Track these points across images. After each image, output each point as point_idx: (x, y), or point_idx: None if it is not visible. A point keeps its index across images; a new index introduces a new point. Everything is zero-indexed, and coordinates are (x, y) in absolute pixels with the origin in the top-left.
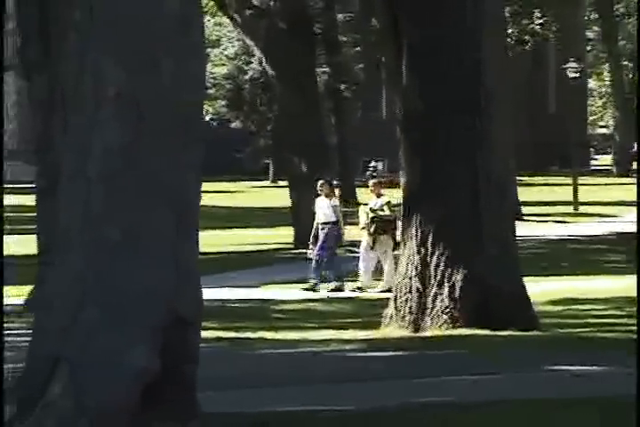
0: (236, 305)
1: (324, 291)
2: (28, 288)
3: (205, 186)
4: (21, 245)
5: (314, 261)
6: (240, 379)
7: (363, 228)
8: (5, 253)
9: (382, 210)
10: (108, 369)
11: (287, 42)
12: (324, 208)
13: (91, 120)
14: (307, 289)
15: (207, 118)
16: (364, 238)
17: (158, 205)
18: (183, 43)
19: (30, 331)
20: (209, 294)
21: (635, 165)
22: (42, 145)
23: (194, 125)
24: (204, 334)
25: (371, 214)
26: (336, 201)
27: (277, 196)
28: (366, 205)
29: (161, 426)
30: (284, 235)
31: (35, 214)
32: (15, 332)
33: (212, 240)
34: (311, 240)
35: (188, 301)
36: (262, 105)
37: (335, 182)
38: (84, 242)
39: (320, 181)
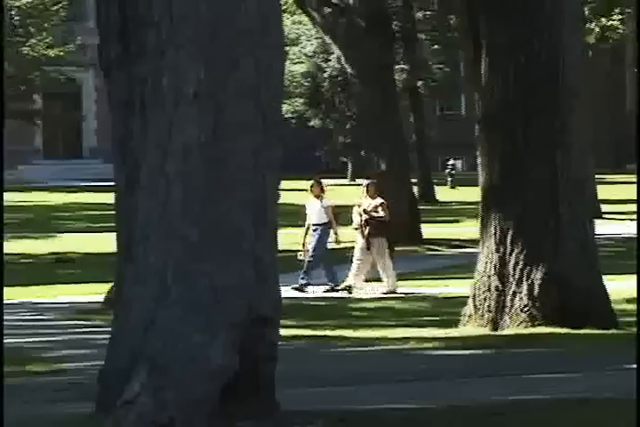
0: (315, 303)
1: (318, 291)
2: (108, 286)
3: (284, 184)
4: (102, 242)
5: (306, 262)
6: (318, 377)
7: (356, 228)
8: (85, 250)
9: (376, 211)
10: (188, 367)
11: (366, 40)
12: (316, 209)
13: (170, 119)
14: (296, 289)
15: (286, 116)
16: (359, 240)
17: (237, 204)
18: (262, 41)
19: (110, 328)
20: (288, 291)
21: None
22: (121, 143)
23: (273, 124)
24: (282, 331)
25: (364, 216)
26: (327, 202)
27: (356, 194)
28: (359, 206)
29: (240, 424)
30: None
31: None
32: (95, 329)
33: (290, 238)
34: (301, 242)
35: (266, 299)
36: (341, 103)
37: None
38: (163, 240)
39: (310, 182)
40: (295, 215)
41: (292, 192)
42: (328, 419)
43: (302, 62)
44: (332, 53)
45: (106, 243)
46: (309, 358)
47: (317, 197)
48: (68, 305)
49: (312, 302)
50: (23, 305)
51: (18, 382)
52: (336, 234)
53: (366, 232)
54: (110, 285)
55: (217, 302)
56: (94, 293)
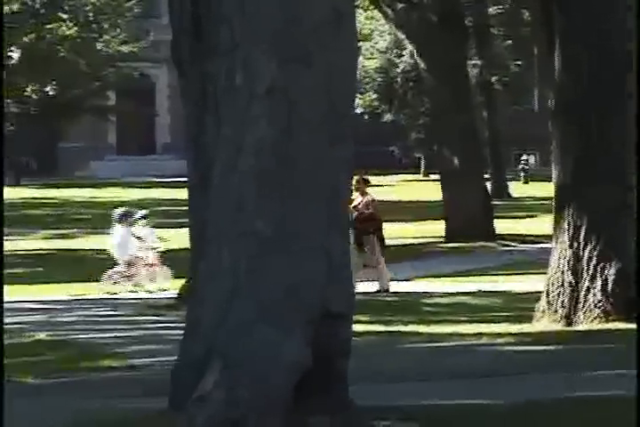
0: (388, 299)
1: None
2: (181, 282)
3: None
4: (174, 239)
5: None
6: (391, 372)
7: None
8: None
9: (367, 209)
10: (261, 363)
11: (439, 35)
12: None
13: (243, 115)
14: None
15: (359, 112)
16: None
17: (310, 200)
18: (336, 37)
19: (183, 324)
20: (360, 287)
21: None
22: (194, 140)
23: (345, 119)
24: (355, 327)
25: (354, 213)
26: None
27: (429, 189)
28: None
29: (313, 420)
30: (435, 229)
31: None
32: (168, 325)
33: None
34: None
35: (339, 294)
36: (413, 98)
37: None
38: (236, 236)
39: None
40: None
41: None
42: (399, 415)
43: (375, 58)
44: (405, 49)
45: (179, 239)
46: (382, 353)
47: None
48: (141, 301)
49: (385, 298)
50: (97, 301)
51: (92, 377)
52: None
53: (356, 229)
54: (183, 281)
55: (289, 299)
56: (169, 289)
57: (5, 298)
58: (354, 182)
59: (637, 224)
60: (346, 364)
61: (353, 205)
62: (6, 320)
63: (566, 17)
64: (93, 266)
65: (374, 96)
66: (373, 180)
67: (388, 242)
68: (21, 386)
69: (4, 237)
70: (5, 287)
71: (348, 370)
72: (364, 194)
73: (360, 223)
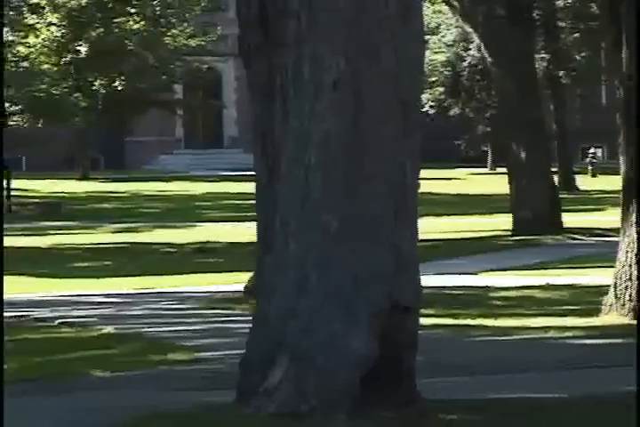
0: (455, 292)
1: None
2: (248, 275)
3: (423, 173)
4: (242, 231)
5: None
6: (458, 366)
7: None
8: (226, 240)
9: None
10: (329, 355)
11: (506, 28)
12: None
13: (310, 108)
14: None
15: (426, 105)
16: None
17: (377, 193)
18: (403, 30)
19: (250, 317)
20: (427, 280)
21: None
22: (261, 133)
23: (412, 113)
24: (422, 320)
25: None
26: None
27: (496, 183)
28: None
29: (380, 412)
30: (502, 222)
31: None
32: (235, 318)
33: (430, 227)
34: None
35: (406, 287)
36: (480, 92)
37: None
38: (303, 229)
39: None
40: (436, 204)
41: (433, 181)
42: (466, 408)
43: (442, 51)
44: (472, 42)
45: (246, 232)
46: (449, 346)
47: None
48: (208, 294)
49: (453, 291)
50: (165, 294)
51: (159, 370)
52: None
53: None
54: (251, 274)
55: (357, 291)
56: (235, 282)
57: (73, 291)
58: None
59: None
60: (413, 357)
61: None
62: (74, 313)
63: (633, 11)
64: (161, 259)
65: (441, 90)
66: (441, 173)
67: (456, 236)
68: (89, 380)
69: (72, 231)
70: (74, 281)
71: (416, 363)
72: None
73: None
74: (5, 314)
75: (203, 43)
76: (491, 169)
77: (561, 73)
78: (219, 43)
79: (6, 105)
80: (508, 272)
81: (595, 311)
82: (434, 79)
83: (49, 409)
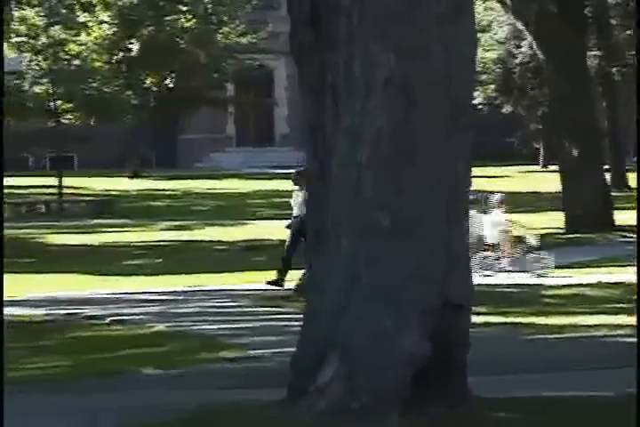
0: (507, 290)
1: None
2: (299, 273)
3: (475, 171)
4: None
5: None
6: (510, 364)
7: None
8: (277, 237)
9: None
10: (380, 354)
11: (558, 25)
12: (299, 200)
13: (361, 106)
14: (269, 282)
15: (478, 103)
16: None
17: (428, 190)
18: (454, 28)
19: (300, 315)
20: (478, 278)
21: None
22: (313, 131)
23: (464, 111)
24: (474, 318)
25: None
26: None
27: (548, 180)
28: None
29: (431, 410)
30: (554, 220)
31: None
32: (286, 316)
33: None
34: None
35: (458, 285)
36: (532, 89)
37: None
38: (354, 227)
39: (295, 172)
40: (486, 202)
41: (484, 179)
42: (517, 406)
43: (494, 49)
44: (524, 40)
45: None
46: (500, 344)
47: (302, 188)
48: (259, 292)
49: (504, 289)
50: (216, 292)
51: (211, 368)
52: None
53: None
54: (301, 272)
55: (408, 289)
56: (287, 279)
57: (125, 289)
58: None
59: None
60: (465, 355)
61: None
62: (126, 311)
63: None
64: (212, 257)
65: (493, 87)
66: (493, 171)
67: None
68: (140, 377)
69: (124, 229)
70: (125, 278)
71: (467, 361)
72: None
73: None
74: (57, 312)
75: (254, 40)
76: (543, 167)
77: (613, 70)
78: (270, 40)
79: (58, 103)
80: (559, 270)
81: None
82: (485, 77)
83: (100, 407)
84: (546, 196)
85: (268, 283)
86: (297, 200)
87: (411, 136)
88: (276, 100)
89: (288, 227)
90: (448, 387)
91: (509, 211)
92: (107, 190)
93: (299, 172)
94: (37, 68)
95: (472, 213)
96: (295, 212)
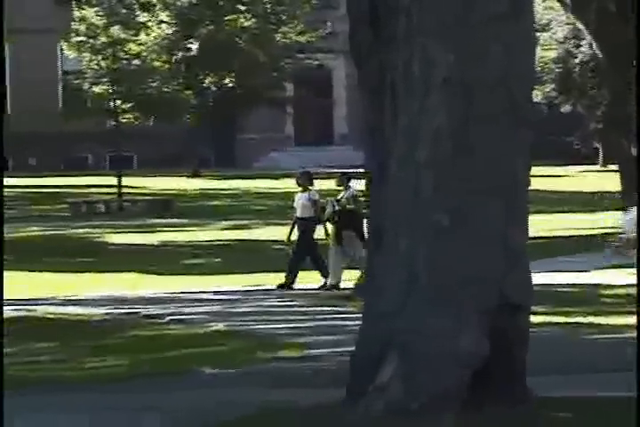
0: (566, 290)
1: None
2: (357, 272)
3: (534, 170)
4: None
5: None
6: (569, 364)
7: (327, 220)
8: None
9: (349, 203)
10: (439, 354)
11: (617, 25)
12: (300, 202)
13: (420, 105)
14: (280, 286)
15: (537, 102)
16: (332, 232)
17: (487, 190)
18: (513, 27)
19: (359, 315)
20: (538, 278)
21: None
22: (372, 130)
23: (523, 110)
24: (533, 318)
25: (337, 207)
26: (315, 194)
27: (607, 180)
28: (334, 196)
29: (491, 410)
30: (613, 220)
31: (365, 199)
32: (345, 315)
33: (541, 224)
34: (288, 236)
35: (517, 285)
36: (592, 88)
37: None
38: (413, 227)
39: (298, 173)
40: (546, 201)
41: (543, 178)
42: (577, 406)
43: (553, 48)
44: (584, 39)
45: None
46: (560, 344)
47: (304, 189)
48: (317, 292)
49: (564, 289)
50: (274, 291)
51: (269, 367)
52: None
53: (335, 223)
54: (359, 271)
55: (467, 289)
56: (344, 279)
57: (184, 288)
58: (336, 180)
59: None
60: (524, 354)
61: (336, 199)
62: (185, 310)
63: None
64: (270, 256)
65: (552, 86)
66: (552, 171)
67: (566, 233)
68: (199, 376)
69: (183, 228)
70: (184, 278)
71: (527, 361)
72: (346, 189)
73: (340, 219)
74: (116, 311)
75: (313, 39)
76: (602, 166)
77: None
78: (329, 40)
79: (117, 102)
80: (619, 270)
81: None
82: (544, 76)
83: (159, 406)
84: (607, 195)
85: (279, 287)
86: (298, 202)
87: (469, 135)
88: (335, 99)
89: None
90: (507, 387)
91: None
92: (166, 190)
93: (302, 173)
94: (97, 67)
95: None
96: (298, 214)
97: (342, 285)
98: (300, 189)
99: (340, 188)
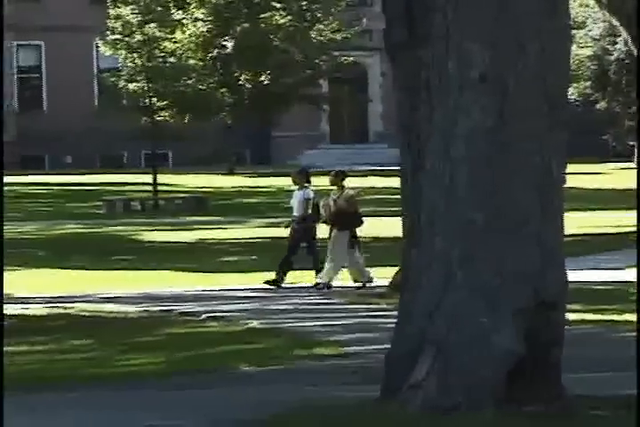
0: (601, 287)
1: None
2: (394, 270)
3: (569, 167)
4: (389, 227)
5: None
6: (605, 361)
7: (324, 221)
8: (372, 235)
9: (348, 203)
10: (474, 351)
11: None
12: (297, 200)
13: (456, 103)
14: (267, 282)
15: (572, 100)
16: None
17: (523, 188)
18: (549, 24)
19: (395, 312)
20: (573, 275)
21: None
22: (406, 128)
23: (559, 108)
24: (568, 316)
25: (333, 207)
26: (311, 193)
27: None
28: (330, 196)
29: (527, 408)
30: None
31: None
32: (381, 313)
33: (576, 222)
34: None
35: (552, 283)
36: (628, 86)
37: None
38: (449, 224)
39: (294, 171)
40: (582, 199)
41: (579, 176)
42: (612, 404)
43: (589, 46)
44: (619, 36)
45: (392, 227)
46: (596, 342)
47: (300, 187)
48: (353, 289)
49: (599, 286)
50: (310, 289)
51: (306, 365)
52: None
53: (330, 223)
54: (396, 269)
55: (503, 287)
56: (380, 277)
57: (220, 286)
58: (330, 178)
59: None
60: (560, 353)
61: (332, 199)
62: (221, 308)
63: None
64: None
65: (587, 84)
66: (587, 168)
67: (602, 230)
68: (236, 374)
69: (219, 226)
70: (220, 275)
71: (562, 359)
72: (341, 188)
73: (335, 218)
74: (151, 309)
75: (348, 37)
76: (637, 164)
77: None
78: (365, 37)
79: (153, 100)
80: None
81: None
82: (580, 73)
83: (198, 404)
84: None
85: (266, 282)
86: (295, 200)
87: (505, 133)
88: (370, 96)
89: (287, 226)
90: (543, 385)
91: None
92: (201, 188)
93: (298, 171)
94: (132, 65)
95: None
96: (295, 212)
97: (334, 283)
98: (296, 186)
99: (334, 187)
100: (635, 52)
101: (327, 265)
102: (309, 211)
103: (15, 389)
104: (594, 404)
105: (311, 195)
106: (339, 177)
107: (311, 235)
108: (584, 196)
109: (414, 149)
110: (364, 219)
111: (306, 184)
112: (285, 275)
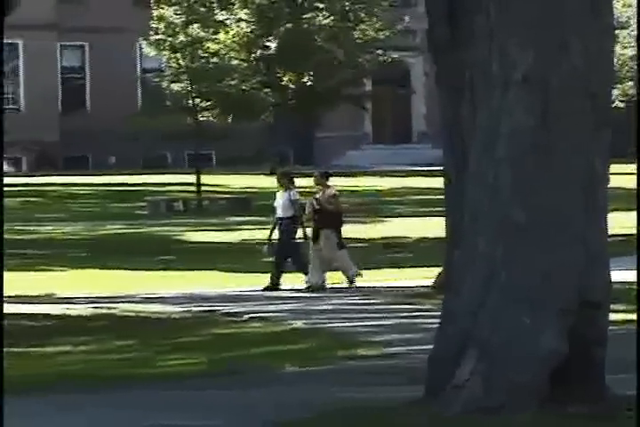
0: None
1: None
2: (437, 270)
3: (613, 167)
4: (431, 227)
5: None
6: None
7: (308, 219)
8: (415, 235)
9: (330, 203)
10: (517, 351)
11: None
12: (281, 201)
13: (499, 103)
14: (266, 288)
15: (615, 100)
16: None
17: (566, 188)
18: (593, 24)
19: (438, 313)
20: (615, 275)
21: None
22: (450, 128)
23: (602, 108)
24: (612, 316)
25: (316, 207)
26: (296, 194)
27: None
28: (314, 196)
29: (571, 409)
30: None
31: (443, 197)
32: (424, 313)
33: (619, 222)
34: (268, 236)
35: (596, 283)
36: None
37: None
38: (492, 224)
39: (278, 172)
40: (625, 199)
41: (622, 176)
42: None
43: (632, 46)
44: None
45: (435, 227)
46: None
47: (286, 188)
48: (396, 289)
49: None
50: (352, 289)
51: (348, 365)
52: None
53: (314, 223)
54: (440, 269)
55: (546, 286)
56: (423, 277)
57: (264, 286)
58: (314, 178)
59: None
60: (603, 353)
61: (315, 198)
62: (264, 308)
63: None
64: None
65: (631, 84)
66: (631, 168)
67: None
68: (279, 374)
69: (262, 226)
70: (264, 276)
71: (606, 359)
72: (325, 188)
73: (319, 218)
74: (195, 309)
75: (392, 36)
76: (637, 164)
77: None
78: (408, 37)
79: (196, 101)
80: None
81: None
82: (623, 74)
83: (240, 404)
84: None
85: (265, 289)
86: (279, 202)
87: (548, 133)
88: (414, 97)
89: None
90: (586, 385)
91: None
92: (244, 188)
93: (282, 173)
94: (176, 66)
95: None
96: (278, 213)
97: (328, 284)
98: (281, 188)
99: (319, 186)
100: None
101: (311, 267)
102: (297, 212)
103: (52, 389)
104: (638, 404)
105: (297, 196)
106: (323, 177)
107: (290, 236)
108: (627, 196)
109: (458, 150)
110: (343, 219)
111: (290, 186)
112: (280, 276)
